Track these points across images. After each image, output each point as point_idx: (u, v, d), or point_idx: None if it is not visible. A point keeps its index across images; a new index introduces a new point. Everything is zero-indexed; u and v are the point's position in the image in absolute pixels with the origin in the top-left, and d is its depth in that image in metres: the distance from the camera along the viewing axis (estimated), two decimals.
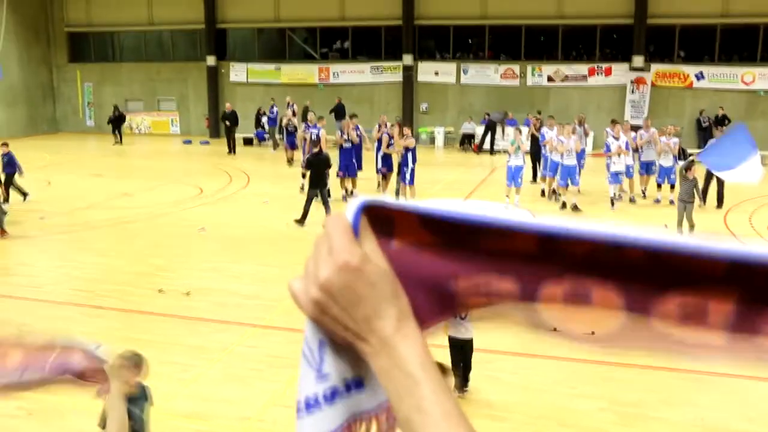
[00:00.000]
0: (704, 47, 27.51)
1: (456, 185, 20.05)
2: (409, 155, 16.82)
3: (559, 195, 17.56)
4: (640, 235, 0.73)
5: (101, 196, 17.90)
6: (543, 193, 18.10)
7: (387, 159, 17.88)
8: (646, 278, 0.75)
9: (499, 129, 27.54)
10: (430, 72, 30.19)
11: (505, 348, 8.10)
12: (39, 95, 34.34)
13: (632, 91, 27.65)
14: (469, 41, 30.61)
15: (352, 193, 17.95)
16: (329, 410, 0.82)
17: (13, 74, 31.20)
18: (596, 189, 17.99)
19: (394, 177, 17.74)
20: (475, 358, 7.23)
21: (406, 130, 17.53)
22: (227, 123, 27.25)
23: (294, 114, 24.52)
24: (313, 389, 0.82)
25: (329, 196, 15.73)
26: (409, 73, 29.99)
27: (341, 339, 0.79)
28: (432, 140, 29.65)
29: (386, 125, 18.35)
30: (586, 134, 19.82)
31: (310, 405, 0.82)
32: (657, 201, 17.55)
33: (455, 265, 0.80)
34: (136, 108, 34.53)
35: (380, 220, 0.79)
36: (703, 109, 26.46)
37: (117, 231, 14.80)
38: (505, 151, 18.77)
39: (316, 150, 15.70)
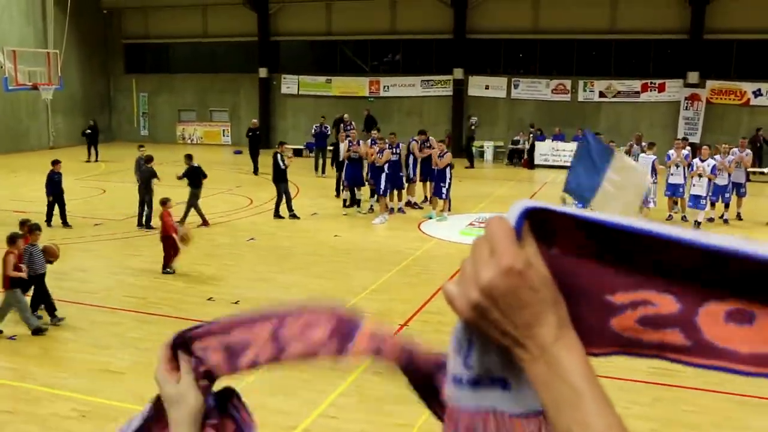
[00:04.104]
0: (763, 63, 26.83)
1: (503, 200, 19.89)
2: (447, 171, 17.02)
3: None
4: None
5: (154, 204, 18.15)
6: None
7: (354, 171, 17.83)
8: None
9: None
10: (480, 86, 30.11)
11: None
12: (96, 105, 35.22)
13: (686, 108, 27.14)
14: (520, 55, 30.48)
15: (410, 203, 18.15)
16: (471, 392, 0.83)
17: (72, 84, 32.04)
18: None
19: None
20: None
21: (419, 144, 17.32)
22: (249, 140, 25.66)
23: (354, 131, 20.67)
24: (459, 371, 0.83)
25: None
26: (459, 87, 29.97)
27: (497, 343, 0.77)
28: (481, 154, 29.54)
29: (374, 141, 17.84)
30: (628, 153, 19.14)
31: (457, 381, 0.84)
32: (725, 221, 17.06)
33: (614, 276, 0.77)
34: (188, 118, 35.23)
35: (541, 225, 0.77)
36: (760, 127, 25.74)
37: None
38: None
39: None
